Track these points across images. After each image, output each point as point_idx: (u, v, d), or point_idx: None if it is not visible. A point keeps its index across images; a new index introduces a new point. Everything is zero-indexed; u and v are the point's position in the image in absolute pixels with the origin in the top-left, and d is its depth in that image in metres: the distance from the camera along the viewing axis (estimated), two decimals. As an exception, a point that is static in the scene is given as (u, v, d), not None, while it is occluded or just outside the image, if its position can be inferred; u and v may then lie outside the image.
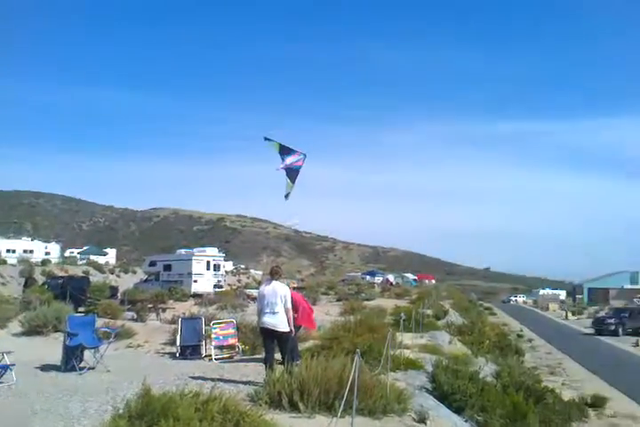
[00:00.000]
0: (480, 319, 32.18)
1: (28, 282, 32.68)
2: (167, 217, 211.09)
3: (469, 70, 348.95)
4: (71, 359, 11.20)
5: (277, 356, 9.85)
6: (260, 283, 60.34)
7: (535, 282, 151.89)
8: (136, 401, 5.50)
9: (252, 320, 16.03)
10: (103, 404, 7.80)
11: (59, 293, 24.19)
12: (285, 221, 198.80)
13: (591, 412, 15.56)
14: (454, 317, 31.19)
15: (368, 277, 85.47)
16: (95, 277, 42.91)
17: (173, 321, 17.83)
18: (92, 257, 73.75)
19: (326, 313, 25.72)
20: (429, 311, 26.98)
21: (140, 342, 15.79)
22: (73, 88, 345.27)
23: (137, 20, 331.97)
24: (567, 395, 16.21)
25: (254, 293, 35.75)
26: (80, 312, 21.39)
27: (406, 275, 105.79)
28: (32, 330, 16.21)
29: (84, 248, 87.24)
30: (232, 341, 13.56)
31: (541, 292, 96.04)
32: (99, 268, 60.96)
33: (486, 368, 14.51)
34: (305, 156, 12.07)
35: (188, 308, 25.41)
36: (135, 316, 22.04)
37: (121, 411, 5.39)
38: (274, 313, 9.39)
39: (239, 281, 67.64)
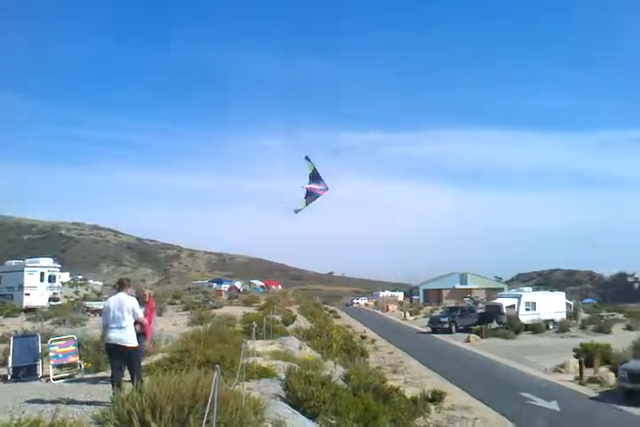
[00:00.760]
0: (327, 323, 32.93)
1: None
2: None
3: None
4: None
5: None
6: (99, 294, 57.21)
7: (377, 285, 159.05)
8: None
9: (93, 335, 15.08)
10: None
11: None
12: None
13: (432, 406, 16.47)
14: (302, 322, 31.66)
15: (215, 285, 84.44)
16: None
17: (3, 340, 16.26)
18: None
19: (173, 324, 24.95)
20: (278, 317, 27.14)
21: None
22: None
23: None
24: (410, 392, 17.00)
25: (95, 305, 33.84)
26: None
27: (253, 281, 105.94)
28: None
29: None
30: (73, 358, 12.58)
31: (381, 294, 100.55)
32: None
33: (336, 372, 14.80)
34: (328, 189, 14.14)
35: (19, 324, 23.32)
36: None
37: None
38: (121, 328, 8.87)
39: (77, 293, 63.69)
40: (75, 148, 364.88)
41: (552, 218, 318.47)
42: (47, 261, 41.14)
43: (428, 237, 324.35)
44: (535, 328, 40.31)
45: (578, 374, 22.08)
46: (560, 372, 23.73)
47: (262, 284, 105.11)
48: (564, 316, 45.09)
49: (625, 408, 17.16)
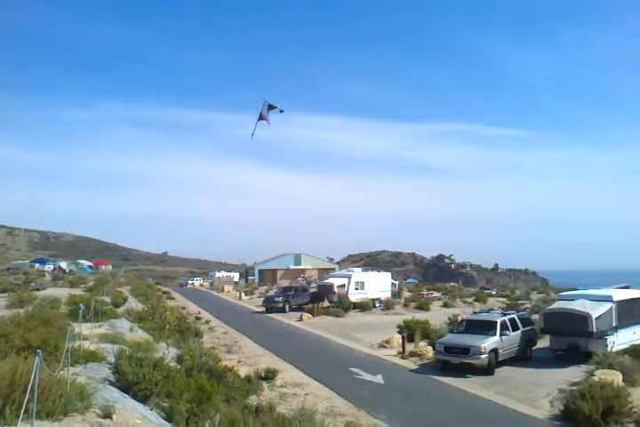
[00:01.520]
0: (160, 304, 32.10)
1: None
2: None
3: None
4: None
5: None
6: None
7: (213, 266, 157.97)
8: None
9: None
10: None
11: None
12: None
13: (265, 384, 16.73)
14: (134, 303, 30.57)
15: (38, 266, 78.83)
16: None
17: None
18: None
19: (-12, 307, 22.91)
20: (108, 299, 25.96)
21: None
22: None
23: None
24: (244, 371, 17.13)
25: None
26: None
27: (81, 261, 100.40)
28: None
29: None
30: None
31: (217, 274, 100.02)
32: None
33: (169, 353, 14.47)
34: (269, 123, 19.23)
35: None
36: None
37: None
38: None
39: None
40: None
41: (384, 203, 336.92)
42: None
43: (264, 219, 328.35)
44: (363, 306, 42.37)
45: (401, 349, 23.62)
46: (385, 347, 25.20)
47: (90, 264, 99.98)
48: (389, 295, 47.86)
49: (441, 378, 18.77)
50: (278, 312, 41.21)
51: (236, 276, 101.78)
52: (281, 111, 19.16)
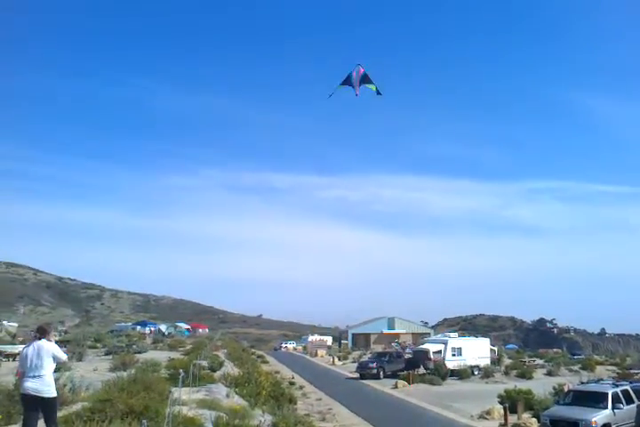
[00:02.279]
0: (255, 369, 32.24)
1: None
2: None
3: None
4: None
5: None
6: (14, 337, 54.15)
7: (306, 329, 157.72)
8: None
9: (7, 382, 14.20)
10: None
11: None
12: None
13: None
14: (230, 367, 30.91)
15: (139, 328, 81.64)
16: None
17: None
18: None
19: (94, 369, 23.87)
20: (205, 363, 26.41)
21: None
22: None
23: None
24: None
25: (9, 349, 32.05)
26: None
27: (179, 324, 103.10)
28: None
29: None
30: (-18, 409, 11.78)
31: (310, 338, 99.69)
32: None
33: (264, 420, 14.44)
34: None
35: None
36: None
37: None
38: (39, 377, 8.40)
39: (-11, 335, 59.98)
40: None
41: (478, 264, 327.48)
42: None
43: (358, 281, 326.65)
44: (461, 374, 40.77)
45: (503, 421, 22.34)
46: (486, 418, 23.96)
47: (188, 327, 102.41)
48: (488, 361, 45.88)
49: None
50: (372, 379, 40.30)
51: (329, 340, 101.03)
52: (378, 93, 16.42)
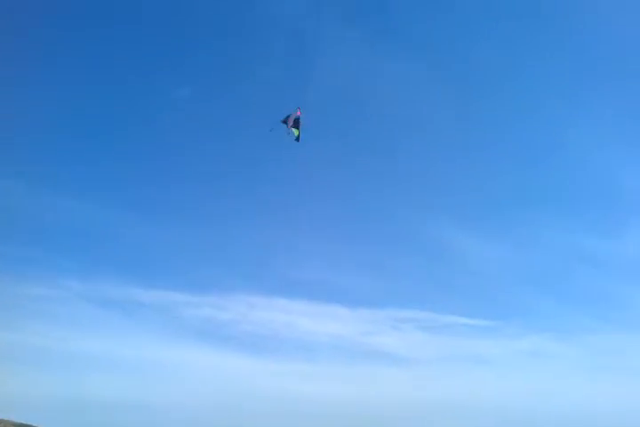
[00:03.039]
0: None
1: None
2: None
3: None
4: None
5: None
6: None
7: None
8: None
9: None
10: None
11: None
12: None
13: None
14: None
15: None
16: None
17: None
18: None
19: None
20: None
21: None
22: None
23: None
24: None
25: None
26: None
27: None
28: None
29: None
30: None
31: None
32: None
33: None
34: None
35: None
36: None
37: None
38: None
39: None
40: None
41: (345, 391, 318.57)
42: None
43: (218, 405, 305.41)
44: None
45: None
46: None
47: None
48: None
49: None
50: None
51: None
52: (297, 140, 19.52)
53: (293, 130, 19.07)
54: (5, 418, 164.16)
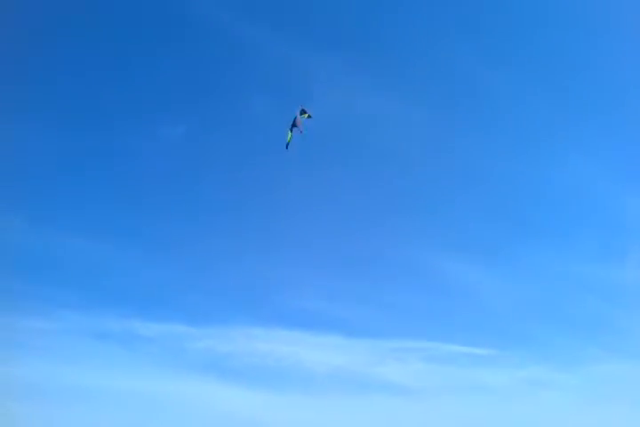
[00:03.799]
0: None
1: None
2: None
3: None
4: None
5: None
6: None
7: None
8: None
9: None
10: None
11: None
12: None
13: None
14: None
15: None
16: None
17: None
18: None
19: None
20: None
21: None
22: None
23: None
24: None
25: None
26: None
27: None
28: None
29: None
30: None
31: None
32: None
33: None
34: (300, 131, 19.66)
35: None
36: None
37: None
38: None
39: None
40: None
41: (349, 424, 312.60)
42: None
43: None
44: None
45: None
46: None
47: None
48: None
49: None
50: None
51: None
52: (309, 116, 19.98)
53: (290, 134, 19.95)
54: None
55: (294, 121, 20.68)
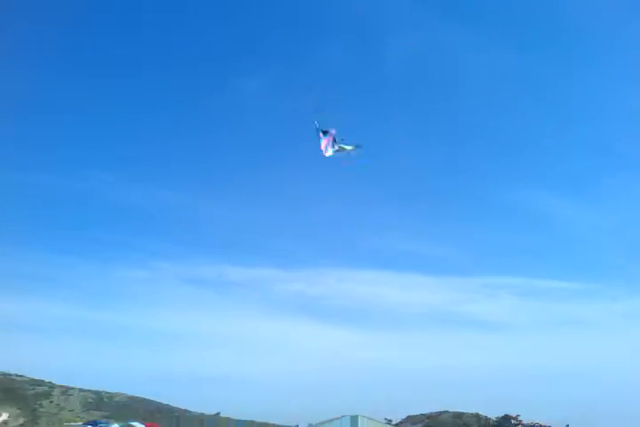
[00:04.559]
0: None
1: None
2: None
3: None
4: None
5: None
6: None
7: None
8: None
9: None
10: None
11: None
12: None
13: None
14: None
15: (90, 428, 78.33)
16: None
17: None
18: None
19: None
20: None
21: None
22: None
23: None
24: None
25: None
26: None
27: (133, 424, 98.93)
28: None
29: None
30: None
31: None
32: None
33: None
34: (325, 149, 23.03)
35: None
36: None
37: None
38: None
39: None
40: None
41: (438, 359, 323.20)
42: None
43: (319, 377, 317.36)
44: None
45: None
46: None
47: (143, 426, 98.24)
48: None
49: None
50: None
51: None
52: (353, 149, 21.45)
53: (341, 146, 21.00)
54: (120, 391, 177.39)
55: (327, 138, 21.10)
